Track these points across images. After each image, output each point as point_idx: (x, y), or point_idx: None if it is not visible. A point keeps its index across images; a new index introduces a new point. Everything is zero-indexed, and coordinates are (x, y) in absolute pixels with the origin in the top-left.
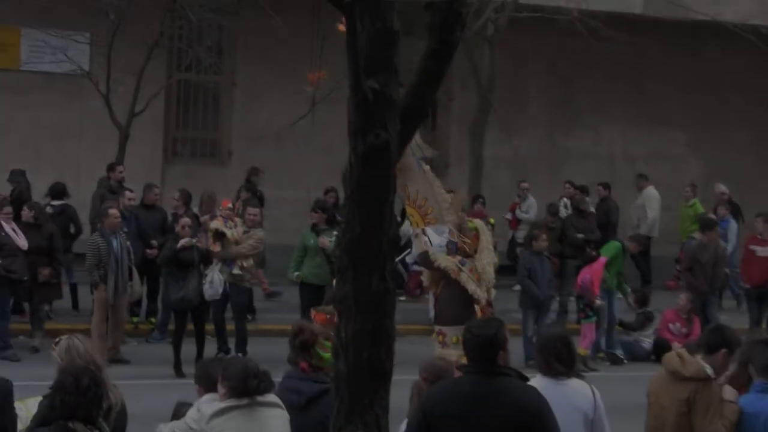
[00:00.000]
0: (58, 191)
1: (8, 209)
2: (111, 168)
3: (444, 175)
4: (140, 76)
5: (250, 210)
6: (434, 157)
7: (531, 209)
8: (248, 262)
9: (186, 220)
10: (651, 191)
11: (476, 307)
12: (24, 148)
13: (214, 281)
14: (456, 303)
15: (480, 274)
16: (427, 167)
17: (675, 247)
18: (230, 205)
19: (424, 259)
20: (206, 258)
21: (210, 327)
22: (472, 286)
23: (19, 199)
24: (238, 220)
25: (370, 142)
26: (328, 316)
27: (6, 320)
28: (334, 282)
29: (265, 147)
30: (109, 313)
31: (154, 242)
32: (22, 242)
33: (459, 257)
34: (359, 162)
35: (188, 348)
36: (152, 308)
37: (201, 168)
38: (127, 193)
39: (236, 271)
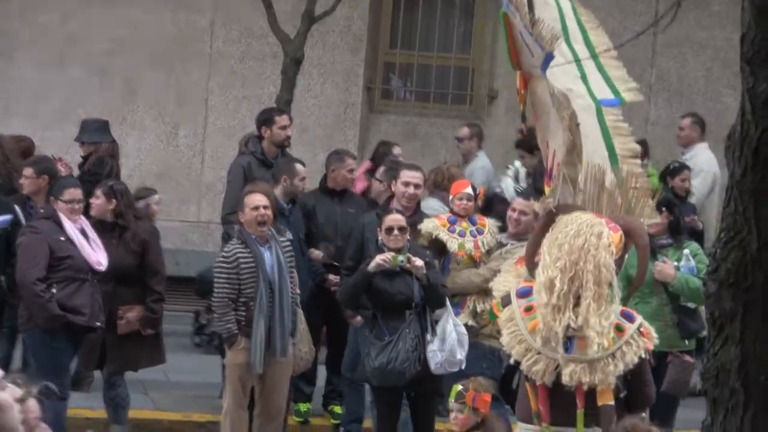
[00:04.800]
0: None
1: (75, 192)
2: (267, 119)
3: None
4: None
5: (519, 202)
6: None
7: None
8: (487, 304)
9: (395, 218)
10: None
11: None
12: (102, 74)
13: (447, 338)
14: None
15: None
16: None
17: None
18: (469, 190)
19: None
20: (434, 293)
21: (445, 424)
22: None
23: (97, 175)
24: (489, 222)
25: None
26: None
27: (63, 401)
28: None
29: None
30: (255, 392)
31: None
32: (96, 257)
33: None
34: (762, 115)
35: None
36: (336, 387)
37: (436, 121)
38: (298, 166)
39: (464, 318)
